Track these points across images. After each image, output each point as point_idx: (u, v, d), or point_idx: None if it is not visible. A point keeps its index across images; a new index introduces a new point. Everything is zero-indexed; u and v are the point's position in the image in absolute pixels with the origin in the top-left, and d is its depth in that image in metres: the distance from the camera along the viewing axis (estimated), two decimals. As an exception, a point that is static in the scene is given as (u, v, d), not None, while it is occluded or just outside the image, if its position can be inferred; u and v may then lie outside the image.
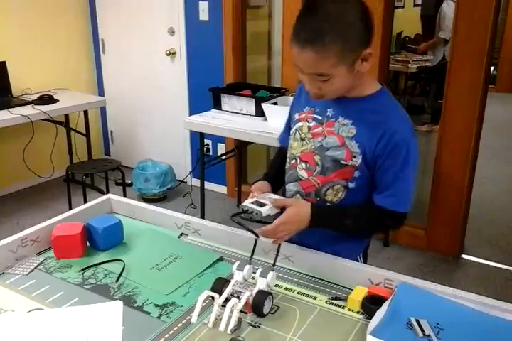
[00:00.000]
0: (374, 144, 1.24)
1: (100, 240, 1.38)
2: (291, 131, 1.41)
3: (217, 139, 3.77)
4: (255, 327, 1.09)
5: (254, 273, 1.18)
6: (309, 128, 1.34)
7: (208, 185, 3.63)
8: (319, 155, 1.31)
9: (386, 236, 3.20)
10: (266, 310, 1.11)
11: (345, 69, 1.16)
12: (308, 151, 1.34)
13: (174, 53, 3.83)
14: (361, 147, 1.25)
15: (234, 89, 3.25)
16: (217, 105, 3.23)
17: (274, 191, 1.38)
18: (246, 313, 1.11)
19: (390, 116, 1.25)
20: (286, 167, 1.42)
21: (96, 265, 1.32)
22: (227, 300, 1.09)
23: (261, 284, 1.14)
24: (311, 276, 1.28)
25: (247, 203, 1.26)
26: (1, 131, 3.43)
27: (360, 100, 1.28)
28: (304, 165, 1.35)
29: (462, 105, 2.82)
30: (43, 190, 4.01)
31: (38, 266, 1.32)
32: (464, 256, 3.12)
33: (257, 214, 1.23)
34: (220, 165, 3.69)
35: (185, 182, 4.04)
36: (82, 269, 1.30)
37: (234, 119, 3.06)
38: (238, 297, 1.10)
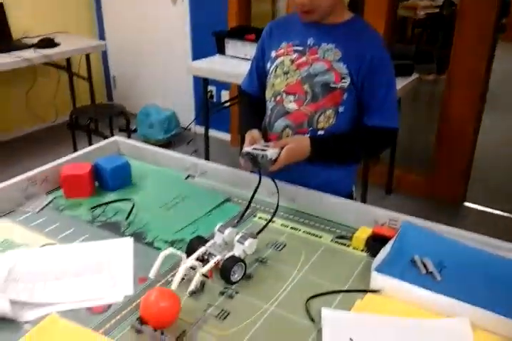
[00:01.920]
0: (360, 64, 1.30)
1: (109, 180, 1.39)
2: (271, 70, 1.42)
3: (222, 86, 3.72)
4: (262, 262, 1.11)
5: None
6: (292, 61, 1.37)
7: (211, 132, 3.62)
8: (308, 83, 1.34)
9: (389, 183, 3.22)
10: (235, 278, 1.04)
11: None
12: (295, 82, 1.36)
13: (177, -4, 3.73)
14: (349, 68, 1.31)
15: (238, 33, 3.17)
16: (222, 50, 3.17)
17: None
18: (207, 277, 1.04)
19: (369, 39, 1.34)
20: (270, 107, 1.43)
21: (106, 204, 1.34)
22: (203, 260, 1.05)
23: (237, 250, 1.07)
24: (316, 217, 1.30)
25: (250, 149, 1.27)
26: (3, 76, 3.39)
27: (339, 26, 1.34)
28: (291, 97, 1.37)
29: (471, 54, 2.77)
30: (47, 135, 4.01)
31: (48, 204, 1.34)
32: (466, 203, 3.16)
33: (262, 157, 1.24)
34: (224, 113, 3.67)
35: (189, 130, 4.03)
36: (92, 207, 1.32)
37: (239, 64, 3.01)
38: (208, 260, 1.05)
